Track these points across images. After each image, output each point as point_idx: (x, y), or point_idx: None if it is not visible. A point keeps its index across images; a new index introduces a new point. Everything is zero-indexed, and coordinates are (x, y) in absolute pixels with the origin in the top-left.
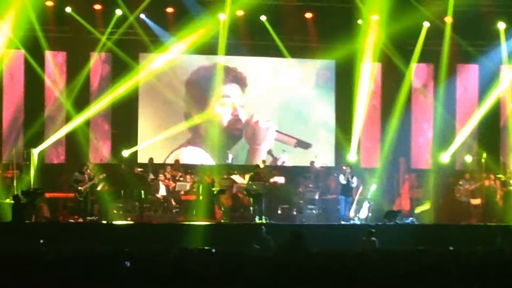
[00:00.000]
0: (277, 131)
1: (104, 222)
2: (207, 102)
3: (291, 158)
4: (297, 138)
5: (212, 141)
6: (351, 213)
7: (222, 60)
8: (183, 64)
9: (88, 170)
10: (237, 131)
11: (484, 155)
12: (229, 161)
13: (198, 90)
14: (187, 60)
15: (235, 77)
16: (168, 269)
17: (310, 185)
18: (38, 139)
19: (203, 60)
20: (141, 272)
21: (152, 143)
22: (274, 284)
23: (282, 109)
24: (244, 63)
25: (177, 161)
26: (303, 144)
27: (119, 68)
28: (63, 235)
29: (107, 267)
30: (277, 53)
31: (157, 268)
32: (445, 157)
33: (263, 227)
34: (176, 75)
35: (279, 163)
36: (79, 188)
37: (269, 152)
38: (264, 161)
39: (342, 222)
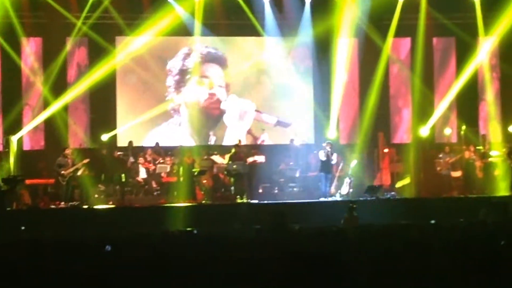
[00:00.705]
0: (256, 110)
1: (86, 207)
2: (185, 83)
3: (271, 137)
4: (277, 117)
5: (192, 122)
6: (332, 190)
7: (199, 40)
8: (160, 46)
9: (69, 155)
10: (216, 111)
11: (463, 127)
12: (211, 142)
13: (177, 71)
14: (164, 42)
15: (214, 57)
16: (150, 252)
17: (291, 163)
18: (16, 126)
19: (181, 41)
20: (122, 256)
21: (131, 126)
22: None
23: (261, 88)
24: (222, 43)
25: (157, 143)
26: (283, 123)
27: (95, 52)
28: (44, 221)
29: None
30: (254, 32)
31: (139, 251)
32: (424, 131)
33: (245, 207)
34: (153, 57)
35: (259, 142)
36: (62, 172)
37: (249, 132)
38: (240, 140)
39: (323, 199)
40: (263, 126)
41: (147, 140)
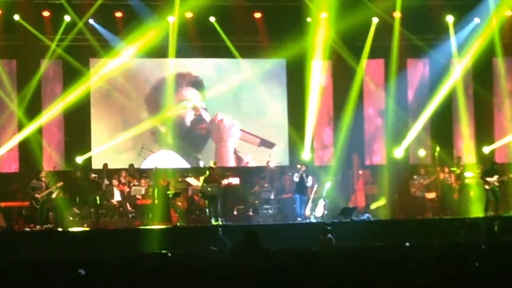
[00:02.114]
0: (241, 130)
1: (60, 229)
2: (164, 107)
3: (254, 158)
4: (261, 138)
5: (179, 145)
6: (307, 212)
7: (173, 63)
8: (134, 68)
9: (43, 178)
10: (202, 131)
11: (438, 148)
12: (201, 166)
13: (155, 94)
14: (138, 64)
15: (191, 81)
16: (124, 275)
17: (265, 185)
18: None
19: (156, 63)
20: (97, 279)
21: (106, 149)
22: (231, 285)
23: (236, 110)
24: (197, 66)
25: (131, 165)
26: (267, 143)
27: (70, 74)
28: (19, 244)
29: (62, 275)
30: (228, 54)
31: (113, 274)
32: (398, 152)
33: (220, 229)
34: (128, 79)
35: (243, 164)
36: (36, 195)
37: (235, 152)
38: (215, 162)
39: (298, 221)
40: (248, 146)
41: (122, 162)
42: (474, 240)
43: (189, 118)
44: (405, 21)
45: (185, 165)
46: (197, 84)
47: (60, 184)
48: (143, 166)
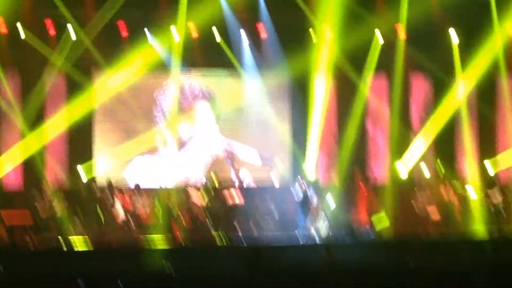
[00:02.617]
0: (242, 148)
1: (65, 249)
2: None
3: (253, 177)
4: (262, 156)
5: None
6: (308, 224)
7: (176, 78)
8: (138, 83)
9: (47, 195)
10: (209, 150)
11: (441, 165)
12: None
13: (166, 108)
14: (142, 78)
15: (204, 95)
16: None
17: (271, 207)
18: None
19: (160, 79)
20: None
21: (111, 165)
22: None
23: (239, 127)
24: (201, 81)
25: (137, 184)
26: (267, 162)
27: (73, 89)
28: (22, 262)
29: None
30: (232, 72)
31: None
32: (401, 169)
33: (223, 248)
34: (132, 94)
35: (244, 183)
36: (40, 213)
37: (236, 175)
38: (220, 182)
39: (300, 238)
40: (247, 165)
41: (127, 177)
42: (477, 258)
43: (198, 135)
44: (409, 38)
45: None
46: (210, 97)
47: (62, 203)
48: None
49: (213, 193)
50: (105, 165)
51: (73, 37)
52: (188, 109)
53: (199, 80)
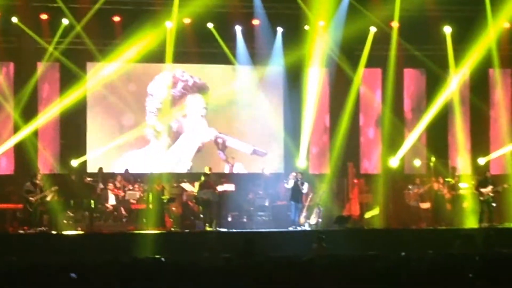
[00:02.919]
0: (233, 139)
1: (54, 232)
2: (162, 110)
3: (245, 166)
4: (253, 146)
5: (175, 149)
6: (302, 219)
7: (170, 69)
8: (131, 73)
9: (38, 181)
10: (197, 141)
11: (433, 159)
12: (189, 169)
13: (158, 98)
14: (135, 69)
15: (198, 87)
16: (117, 279)
17: (260, 192)
18: None
19: (152, 68)
20: (89, 283)
21: (102, 152)
22: None
23: (232, 117)
24: (194, 72)
25: (126, 170)
26: (259, 152)
27: (66, 78)
28: (13, 246)
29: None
30: (225, 61)
31: (106, 278)
32: (394, 162)
33: (214, 235)
34: (124, 84)
35: (234, 171)
36: (30, 198)
37: (226, 160)
38: (210, 168)
39: (292, 228)
40: (239, 155)
41: (118, 166)
42: (468, 251)
43: (186, 124)
44: (402, 31)
45: (176, 167)
46: (203, 89)
47: (55, 188)
48: (115, 169)
49: (203, 179)
50: (97, 152)
51: (66, 22)
52: (180, 100)
53: (191, 71)
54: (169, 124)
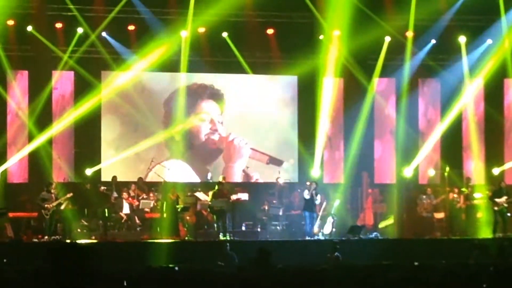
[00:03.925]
0: (252, 148)
1: (68, 241)
2: (177, 118)
3: (261, 175)
4: (270, 155)
5: (192, 157)
6: (315, 229)
7: (184, 78)
8: (146, 82)
9: (53, 190)
10: (214, 146)
11: (447, 169)
12: (208, 178)
13: (173, 109)
14: (150, 77)
15: (212, 93)
16: None
17: (274, 201)
18: (0, 158)
19: (167, 77)
20: None
21: (116, 161)
22: None
23: (246, 126)
24: (209, 80)
25: (140, 178)
26: (275, 161)
27: (81, 87)
28: (27, 254)
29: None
30: (239, 70)
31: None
32: (408, 172)
33: (227, 244)
34: (139, 92)
35: (251, 180)
36: (46, 206)
37: (244, 171)
38: (224, 177)
39: (307, 238)
40: (253, 164)
41: (149, 169)
42: (483, 261)
43: (204, 131)
44: (417, 40)
45: (194, 176)
46: (218, 96)
47: (69, 195)
48: (152, 179)
49: (217, 188)
50: (111, 160)
51: (80, 31)
52: (195, 109)
53: (206, 80)
54: (184, 133)
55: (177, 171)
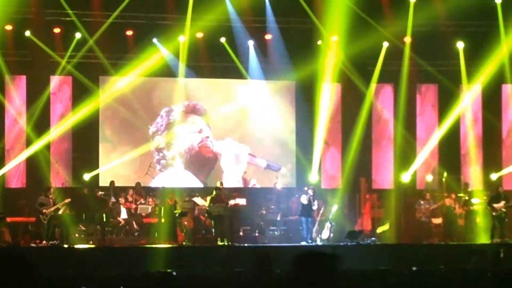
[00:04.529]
0: (250, 154)
1: (66, 246)
2: (172, 126)
3: (259, 180)
4: (267, 161)
5: (189, 167)
6: (313, 234)
7: (182, 83)
8: (143, 87)
9: (51, 195)
10: (210, 154)
11: (445, 174)
12: (205, 183)
13: (163, 114)
14: (148, 82)
15: (195, 109)
16: None
17: (272, 207)
18: None
19: (165, 82)
20: None
21: (114, 166)
22: None
23: (244, 131)
24: (205, 86)
25: (138, 184)
26: (273, 167)
27: (79, 91)
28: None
29: None
30: (237, 75)
31: None
32: (406, 177)
33: (225, 249)
34: (137, 97)
35: (249, 186)
36: (44, 211)
37: (242, 176)
38: (222, 183)
39: (304, 243)
40: (251, 169)
41: (129, 180)
42: (480, 267)
43: (196, 140)
44: (415, 46)
45: (194, 183)
46: (200, 112)
47: (67, 200)
48: (151, 184)
49: (215, 194)
50: (109, 166)
51: (78, 36)
52: (189, 114)
53: (202, 86)
54: (181, 138)
55: (175, 178)
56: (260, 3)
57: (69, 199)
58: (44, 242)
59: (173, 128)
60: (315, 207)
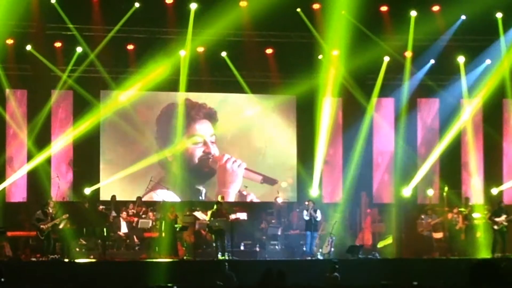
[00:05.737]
0: (246, 168)
1: (67, 260)
2: (174, 139)
3: (256, 194)
4: (264, 175)
5: (183, 179)
6: (314, 248)
7: (183, 97)
8: (144, 101)
9: (50, 209)
10: (207, 168)
11: (446, 189)
12: (202, 196)
13: (166, 127)
14: (149, 97)
15: (206, 114)
16: None
17: (273, 221)
18: None
19: (166, 96)
20: None
21: (115, 181)
22: None
23: (245, 145)
24: (207, 100)
25: (139, 198)
26: (269, 180)
27: (80, 106)
28: (25, 273)
29: None
30: (238, 89)
31: None
32: (407, 191)
33: (226, 264)
34: (138, 112)
35: (248, 199)
36: (41, 226)
37: (240, 191)
38: (223, 197)
39: (305, 258)
40: (248, 184)
41: (130, 194)
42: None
43: (197, 154)
44: (416, 60)
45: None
46: (211, 116)
47: (65, 216)
48: (151, 198)
49: (216, 208)
50: (109, 180)
51: (79, 50)
52: (189, 130)
53: (203, 99)
54: (181, 152)
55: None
56: (261, 17)
57: (67, 215)
58: (44, 257)
59: (177, 137)
60: (319, 218)
